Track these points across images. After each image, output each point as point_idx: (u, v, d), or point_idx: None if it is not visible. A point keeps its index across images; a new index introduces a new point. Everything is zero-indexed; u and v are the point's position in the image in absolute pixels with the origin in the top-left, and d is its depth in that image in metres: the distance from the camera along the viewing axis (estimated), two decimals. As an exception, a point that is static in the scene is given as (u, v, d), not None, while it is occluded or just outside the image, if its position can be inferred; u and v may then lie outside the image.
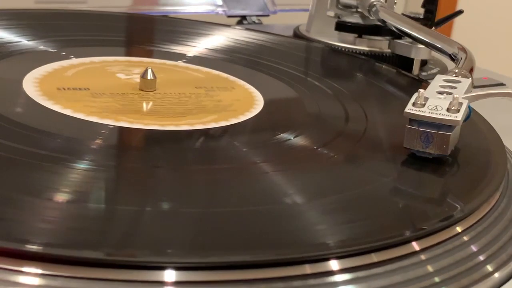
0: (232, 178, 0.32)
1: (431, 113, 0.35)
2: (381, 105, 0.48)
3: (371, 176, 0.34)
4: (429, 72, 0.59)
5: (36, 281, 0.23)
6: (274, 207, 0.30)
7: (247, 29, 0.63)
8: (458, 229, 0.30)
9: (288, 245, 0.27)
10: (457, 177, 0.36)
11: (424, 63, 0.59)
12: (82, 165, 0.31)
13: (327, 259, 0.26)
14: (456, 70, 0.43)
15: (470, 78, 0.42)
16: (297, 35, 0.65)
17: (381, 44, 0.60)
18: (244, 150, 0.37)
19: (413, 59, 0.57)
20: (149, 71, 0.43)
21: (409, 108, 0.35)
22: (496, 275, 0.29)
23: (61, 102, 0.39)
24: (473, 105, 0.38)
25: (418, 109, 0.35)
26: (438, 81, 0.40)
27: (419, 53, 0.57)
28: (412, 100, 0.36)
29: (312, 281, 0.25)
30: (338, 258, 0.26)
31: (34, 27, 0.53)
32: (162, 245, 0.25)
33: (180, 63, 0.51)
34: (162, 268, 0.24)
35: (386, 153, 0.38)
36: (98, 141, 0.35)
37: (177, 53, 0.53)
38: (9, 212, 0.26)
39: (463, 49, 0.49)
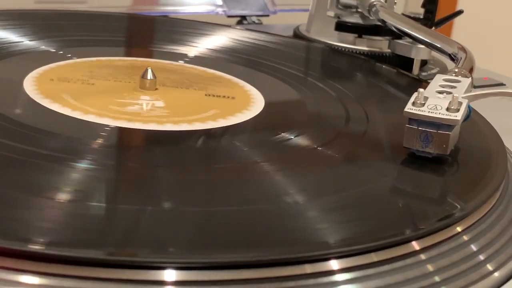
0: (233, 177, 0.32)
1: (431, 112, 0.35)
2: (381, 105, 0.48)
3: (371, 176, 0.34)
4: (429, 72, 0.59)
5: (37, 280, 0.23)
6: (274, 206, 0.30)
7: (247, 29, 0.63)
8: (458, 228, 0.30)
9: (288, 244, 0.27)
10: (457, 176, 0.36)
11: (424, 63, 0.59)
12: (83, 165, 0.31)
13: (327, 259, 0.26)
14: (456, 70, 0.43)
15: (470, 78, 0.42)
16: (297, 35, 0.65)
17: (381, 44, 0.60)
18: (245, 149, 0.37)
19: (413, 59, 0.57)
20: (149, 71, 0.43)
21: (409, 108, 0.35)
22: (496, 274, 0.29)
23: (62, 102, 0.39)
24: (473, 105, 0.38)
25: (417, 108, 0.35)
26: (438, 81, 0.40)
27: (419, 53, 0.57)
28: (412, 99, 0.36)
29: (311, 281, 0.25)
30: (338, 257, 0.26)
31: (34, 27, 0.53)
32: (163, 244, 0.25)
33: (180, 63, 0.51)
34: (163, 267, 0.24)
35: (386, 153, 0.38)
36: (99, 141, 0.35)
37: (177, 53, 0.53)
38: (10, 211, 0.26)
39: (463, 49, 0.49)
